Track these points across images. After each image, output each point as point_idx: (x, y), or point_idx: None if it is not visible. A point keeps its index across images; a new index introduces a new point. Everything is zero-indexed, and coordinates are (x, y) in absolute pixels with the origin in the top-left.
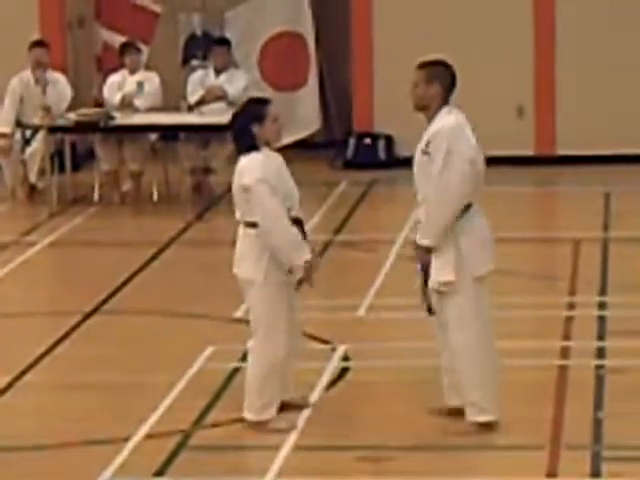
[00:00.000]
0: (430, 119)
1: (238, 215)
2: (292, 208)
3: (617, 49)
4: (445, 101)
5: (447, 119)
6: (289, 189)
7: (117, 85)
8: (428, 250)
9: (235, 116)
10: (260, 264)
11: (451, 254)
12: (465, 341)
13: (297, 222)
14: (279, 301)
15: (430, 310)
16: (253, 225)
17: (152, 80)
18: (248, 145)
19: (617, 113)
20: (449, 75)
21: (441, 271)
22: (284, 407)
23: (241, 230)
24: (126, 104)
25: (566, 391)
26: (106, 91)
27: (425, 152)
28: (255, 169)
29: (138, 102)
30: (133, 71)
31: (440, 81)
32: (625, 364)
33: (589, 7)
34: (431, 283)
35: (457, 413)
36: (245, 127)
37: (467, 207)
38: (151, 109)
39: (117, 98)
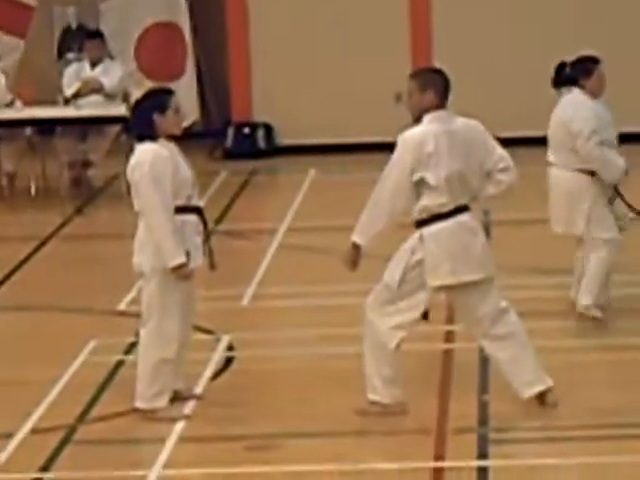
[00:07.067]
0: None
1: (135, 205)
2: (192, 196)
3: (492, 37)
4: (440, 107)
5: (414, 129)
6: (185, 178)
7: None
8: None
9: (137, 104)
10: (147, 255)
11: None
12: None
13: (197, 211)
14: (168, 292)
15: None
16: None
17: None
18: (146, 134)
19: (483, 98)
20: (442, 80)
21: None
22: (175, 397)
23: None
24: None
25: (451, 375)
26: None
27: None
28: (144, 163)
29: None
30: None
31: (433, 88)
32: None
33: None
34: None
35: None
36: (146, 116)
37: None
38: None
39: None
